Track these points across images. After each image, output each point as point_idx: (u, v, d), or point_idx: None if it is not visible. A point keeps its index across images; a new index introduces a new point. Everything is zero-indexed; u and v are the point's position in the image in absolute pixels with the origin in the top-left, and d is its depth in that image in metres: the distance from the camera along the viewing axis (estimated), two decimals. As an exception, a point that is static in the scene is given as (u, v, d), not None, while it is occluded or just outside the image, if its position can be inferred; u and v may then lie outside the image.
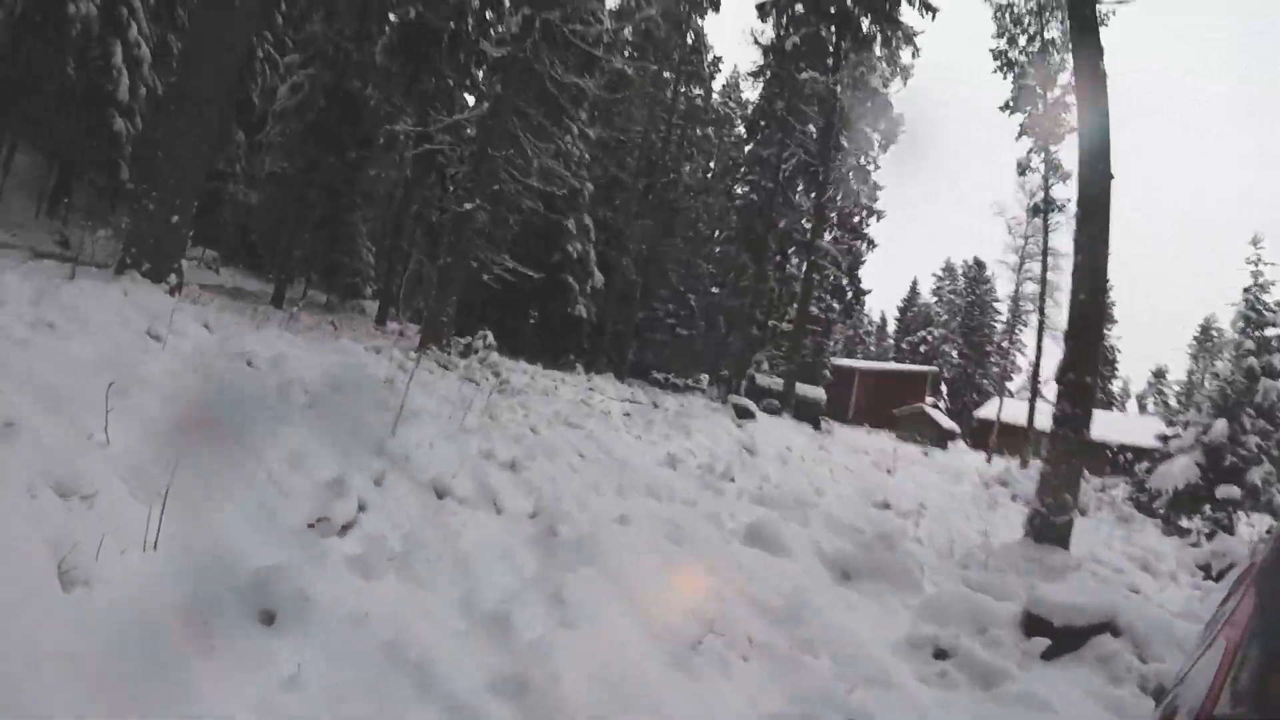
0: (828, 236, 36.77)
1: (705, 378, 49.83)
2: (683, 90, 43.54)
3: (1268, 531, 10.34)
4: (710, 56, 47.56)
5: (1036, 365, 35.72)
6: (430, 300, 15.59)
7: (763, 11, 35.44)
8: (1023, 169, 36.48)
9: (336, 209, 27.34)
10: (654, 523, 6.02)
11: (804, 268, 35.14)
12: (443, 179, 28.67)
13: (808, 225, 34.72)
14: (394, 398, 6.93)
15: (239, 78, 34.59)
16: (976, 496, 17.72)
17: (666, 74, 41.53)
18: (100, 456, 4.06)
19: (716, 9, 40.94)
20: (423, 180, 28.55)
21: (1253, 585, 1.22)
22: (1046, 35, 34.06)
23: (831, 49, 33.98)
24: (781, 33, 34.99)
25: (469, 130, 20.84)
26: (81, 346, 6.33)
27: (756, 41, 36.47)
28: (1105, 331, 49.43)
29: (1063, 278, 34.57)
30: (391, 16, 26.71)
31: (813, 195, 35.49)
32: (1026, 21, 34.82)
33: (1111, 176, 10.24)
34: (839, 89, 31.73)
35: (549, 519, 5.42)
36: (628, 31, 37.24)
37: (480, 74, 28.38)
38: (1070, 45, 10.91)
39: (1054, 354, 26.79)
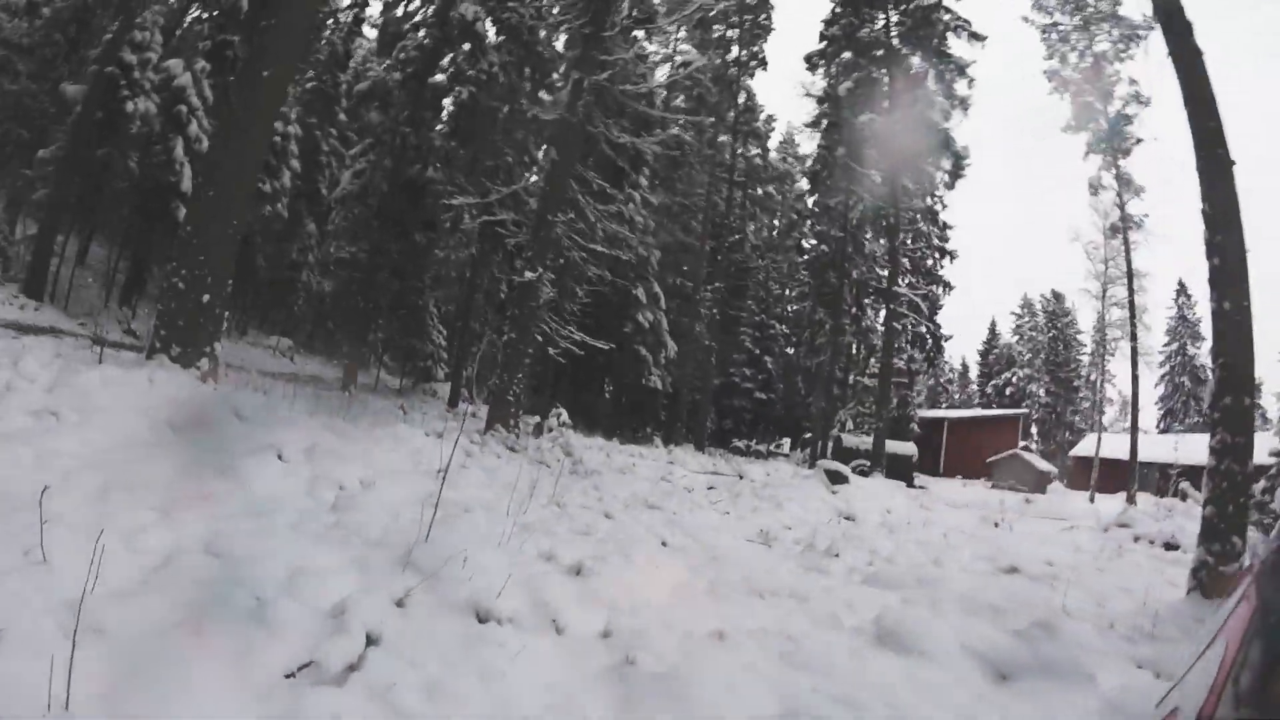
0: (903, 283, 35.05)
1: (786, 442, 48.05)
2: (740, 150, 42.89)
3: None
4: (764, 115, 46.99)
5: (1134, 394, 33.03)
6: (496, 379, 14.58)
7: (811, 63, 34.77)
8: (1094, 189, 34.22)
9: (406, 292, 26.98)
10: (759, 637, 4.68)
11: (882, 317, 33.52)
12: (508, 254, 28.21)
13: (883, 272, 33.12)
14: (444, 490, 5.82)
15: (308, 171, 35.34)
16: (1100, 544, 15.74)
17: (723, 137, 40.90)
18: (30, 582, 3.09)
19: (765, 67, 40.37)
20: (489, 258, 28.06)
21: (1253, 586, 1.14)
22: (1096, 49, 32.24)
23: (886, 89, 32.87)
24: (833, 80, 34.18)
25: (530, 201, 20.18)
26: (73, 441, 5.42)
27: (809, 93, 35.73)
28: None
29: (1149, 299, 33.44)
30: (447, 101, 26.57)
31: (883, 241, 33.96)
32: (1074, 39, 33.12)
33: (1233, 162, 8.76)
34: (898, 129, 30.48)
35: (624, 643, 4.13)
36: (680, 100, 36.94)
37: (541, 153, 28.06)
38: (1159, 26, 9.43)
39: (1148, 379, 24.41)
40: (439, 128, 25.80)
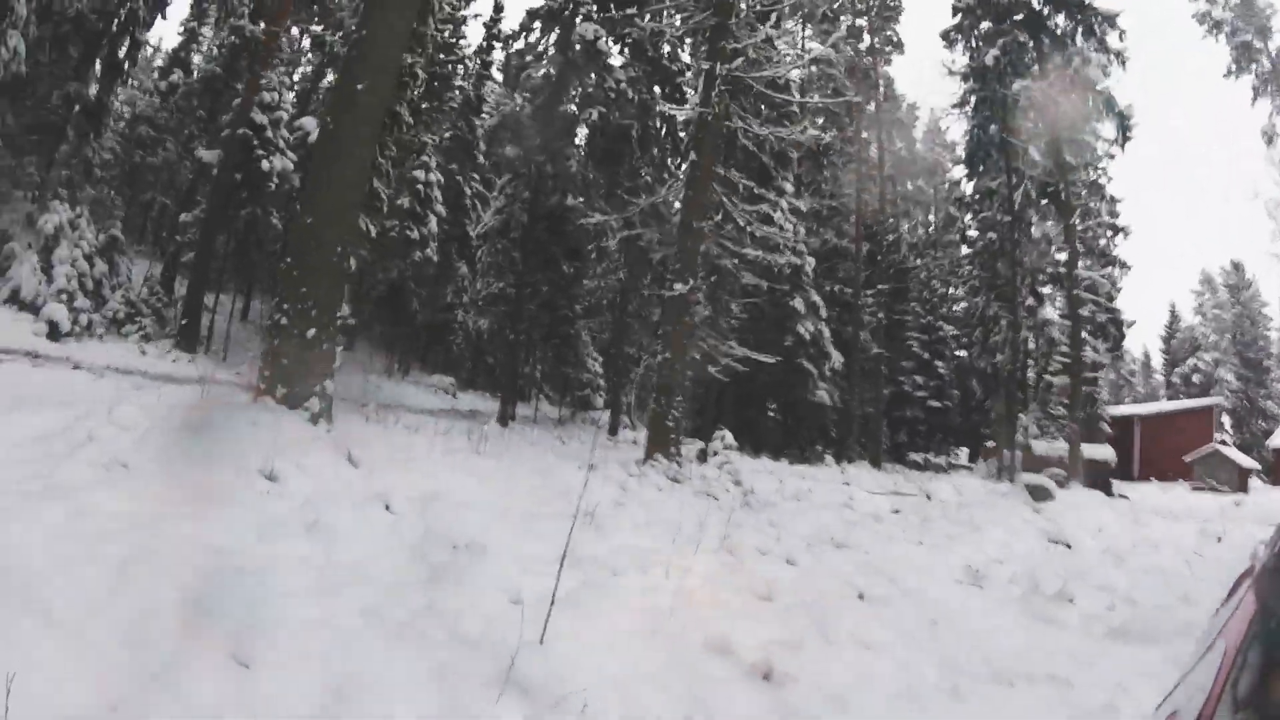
0: (1081, 265, 31.28)
1: (964, 452, 44.27)
2: (885, 144, 40.24)
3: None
4: (905, 104, 44.08)
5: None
6: (653, 404, 13.19)
7: (948, 39, 31.94)
8: (1269, 137, 29.60)
9: (557, 323, 26.37)
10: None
11: (1060, 307, 30.09)
12: (657, 274, 27.14)
13: (1061, 256, 29.75)
14: (589, 536, 4.45)
15: (455, 215, 35.60)
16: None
17: (865, 133, 38.46)
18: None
19: (901, 50, 37.76)
20: (637, 280, 26.98)
21: (1253, 588, 1.09)
22: (1245, -18, 27.90)
23: (1032, 54, 29.59)
24: (975, 53, 31.16)
25: (673, 217, 18.88)
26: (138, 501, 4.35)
27: (951, 71, 32.73)
28: None
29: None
30: (579, 126, 25.78)
31: (1051, 222, 30.48)
32: (1220, -26, 28.85)
33: None
34: (1054, 93, 27.27)
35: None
36: (815, 97, 34.85)
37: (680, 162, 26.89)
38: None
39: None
40: (573, 154, 25.00)
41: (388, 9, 7.61)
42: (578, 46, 23.43)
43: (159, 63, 38.12)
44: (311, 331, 7.44)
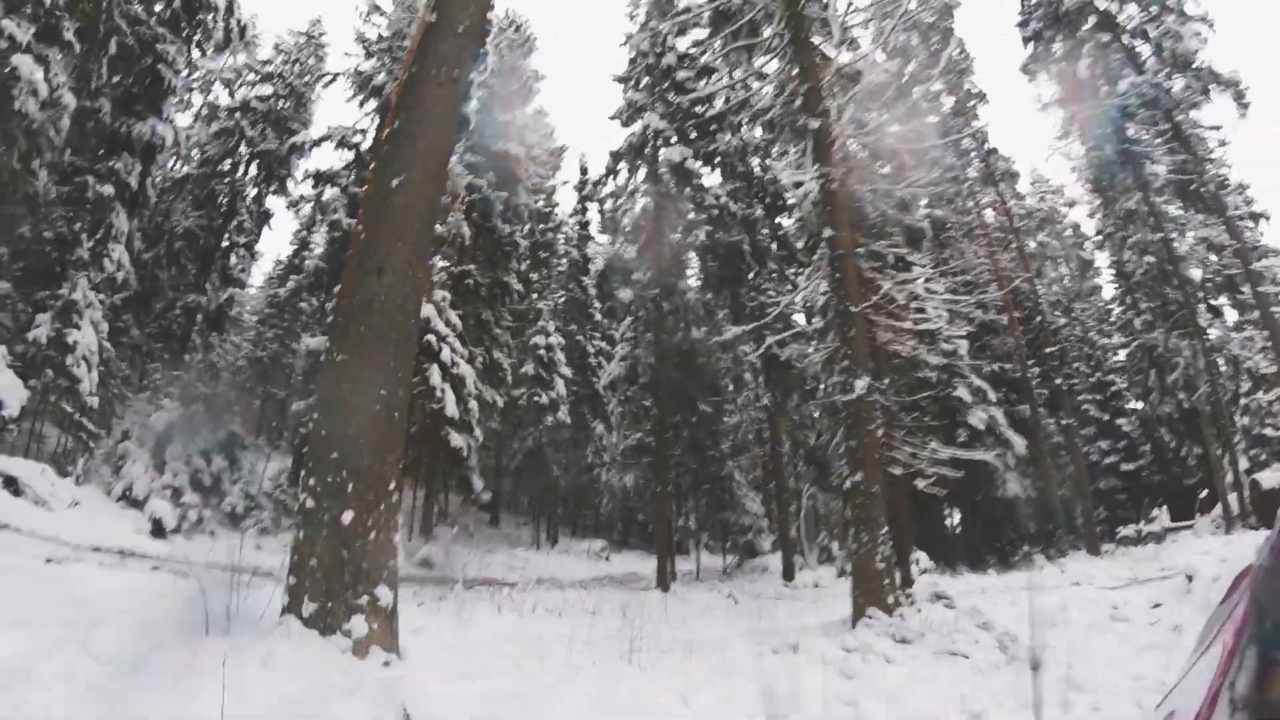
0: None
1: (1163, 512, 37.79)
2: (1005, 200, 36.63)
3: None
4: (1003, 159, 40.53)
5: None
6: (853, 543, 10.13)
7: (1028, 70, 29.37)
8: None
9: (705, 465, 23.82)
10: None
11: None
12: (804, 393, 24.37)
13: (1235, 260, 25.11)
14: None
15: (582, 375, 34.14)
16: None
17: (979, 196, 35.09)
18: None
19: (984, 100, 35.35)
20: (783, 404, 24.21)
21: (1249, 589, 1.11)
22: None
23: (1119, 51, 26.10)
24: (1062, 74, 27.98)
25: (816, 311, 16.36)
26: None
27: (1044, 105, 29.63)
28: None
29: None
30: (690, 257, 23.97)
31: (1201, 217, 25.94)
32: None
33: None
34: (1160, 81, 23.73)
35: None
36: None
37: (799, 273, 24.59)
38: None
39: None
40: (687, 285, 23.10)
41: (420, 105, 5.63)
42: (666, 173, 21.90)
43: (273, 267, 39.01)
44: (348, 517, 5.09)
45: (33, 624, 5.11)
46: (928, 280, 14.45)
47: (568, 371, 31.91)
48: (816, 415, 29.32)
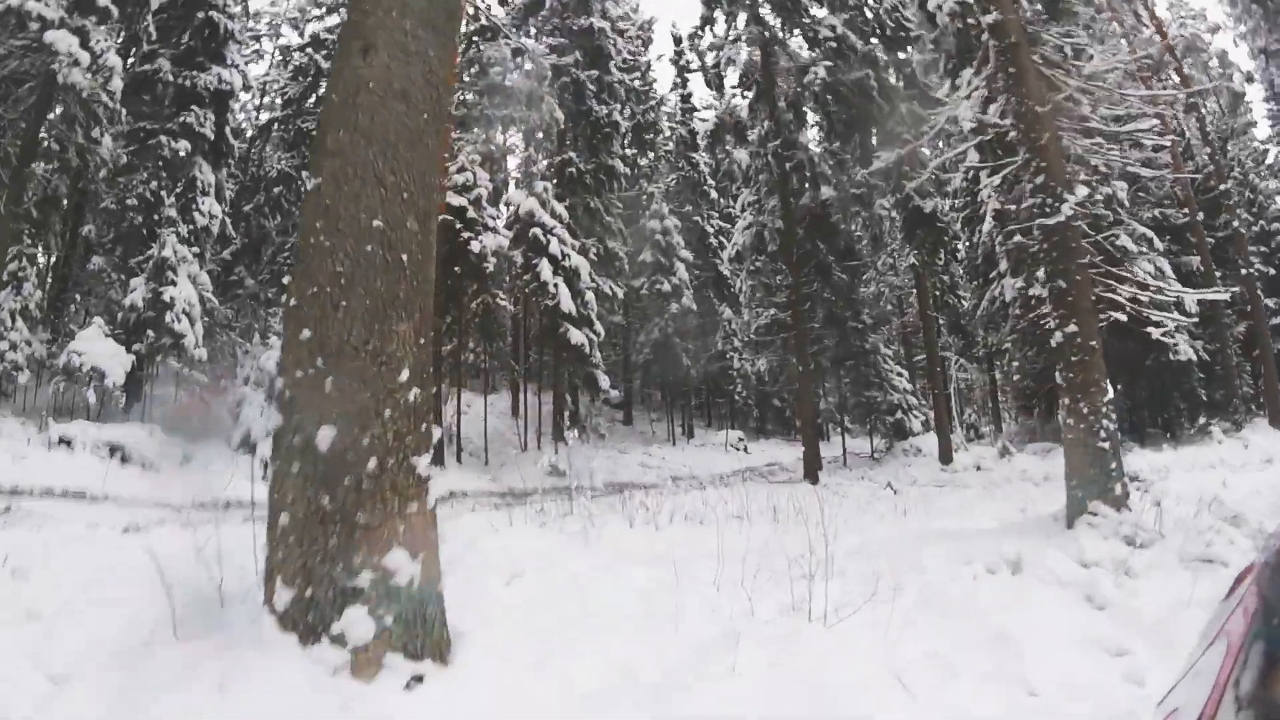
0: None
1: None
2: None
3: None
4: None
5: None
6: (1067, 416, 7.58)
7: None
8: None
9: (847, 339, 21.22)
10: None
11: None
12: (949, 253, 21.33)
13: None
14: None
15: (704, 258, 31.75)
16: None
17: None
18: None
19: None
20: (930, 266, 21.27)
21: (1255, 584, 1.08)
22: None
23: None
24: None
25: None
26: None
27: None
28: None
29: None
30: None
31: None
32: None
33: None
34: None
35: None
36: None
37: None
38: None
39: None
40: (811, 131, 20.14)
41: None
42: (768, 12, 18.80)
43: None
44: (326, 434, 3.18)
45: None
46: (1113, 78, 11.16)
47: (688, 255, 29.59)
48: (962, 275, 26.05)
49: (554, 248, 19.27)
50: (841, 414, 25.10)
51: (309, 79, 27.27)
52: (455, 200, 18.59)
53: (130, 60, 20.28)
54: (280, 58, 31.02)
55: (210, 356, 18.65)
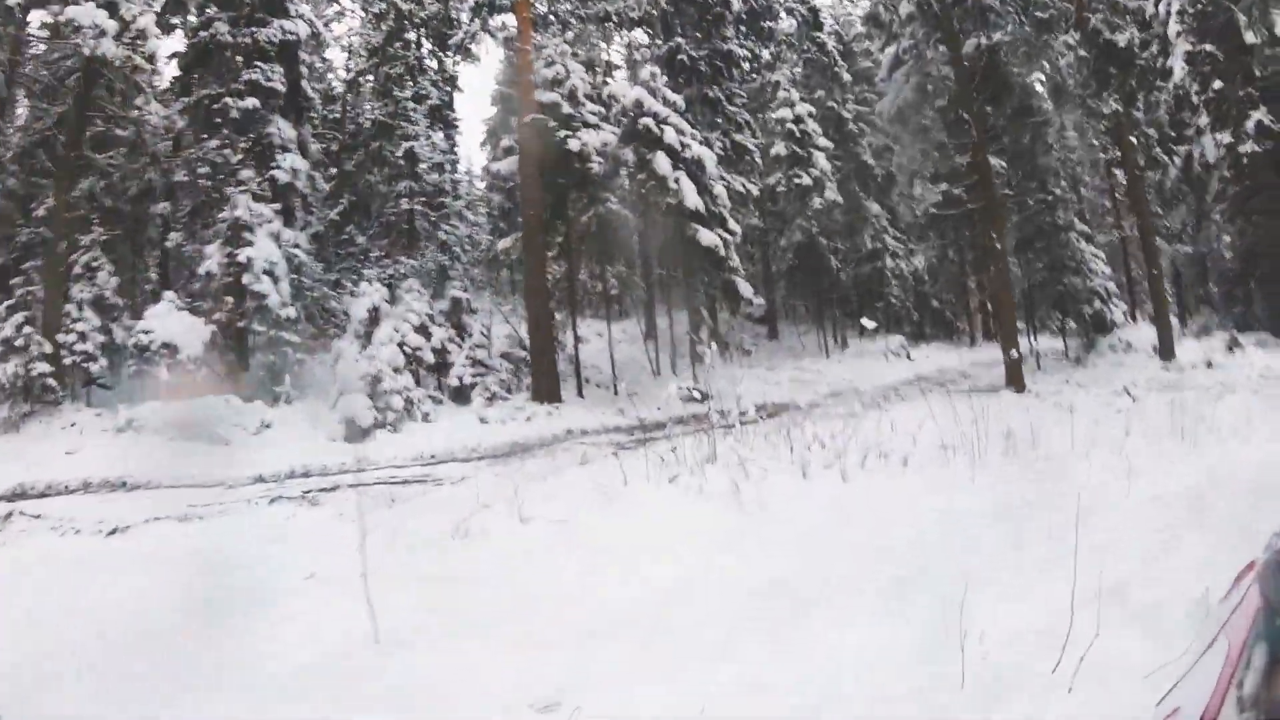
0: None
1: None
2: None
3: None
4: None
5: None
6: None
7: None
8: None
9: (1032, 217, 17.26)
10: None
11: None
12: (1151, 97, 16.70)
13: None
14: None
15: (844, 146, 27.69)
16: None
17: None
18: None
19: None
20: (1128, 113, 16.80)
21: (1257, 584, 1.06)
22: None
23: None
24: None
25: None
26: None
27: None
28: None
29: None
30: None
31: None
32: None
33: None
34: None
35: None
36: None
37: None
38: None
39: None
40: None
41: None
42: None
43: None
44: None
45: None
46: None
47: (827, 143, 25.63)
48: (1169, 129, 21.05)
49: (670, 137, 16.13)
50: (1030, 306, 20.86)
51: (390, 22, 24.87)
52: (546, 96, 15.72)
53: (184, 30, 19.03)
54: (362, 8, 29.39)
55: (307, 316, 16.89)
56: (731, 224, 17.02)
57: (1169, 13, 19.40)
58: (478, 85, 74.33)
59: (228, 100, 17.65)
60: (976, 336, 31.00)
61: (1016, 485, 6.12)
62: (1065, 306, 19.54)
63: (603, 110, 17.55)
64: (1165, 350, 16.57)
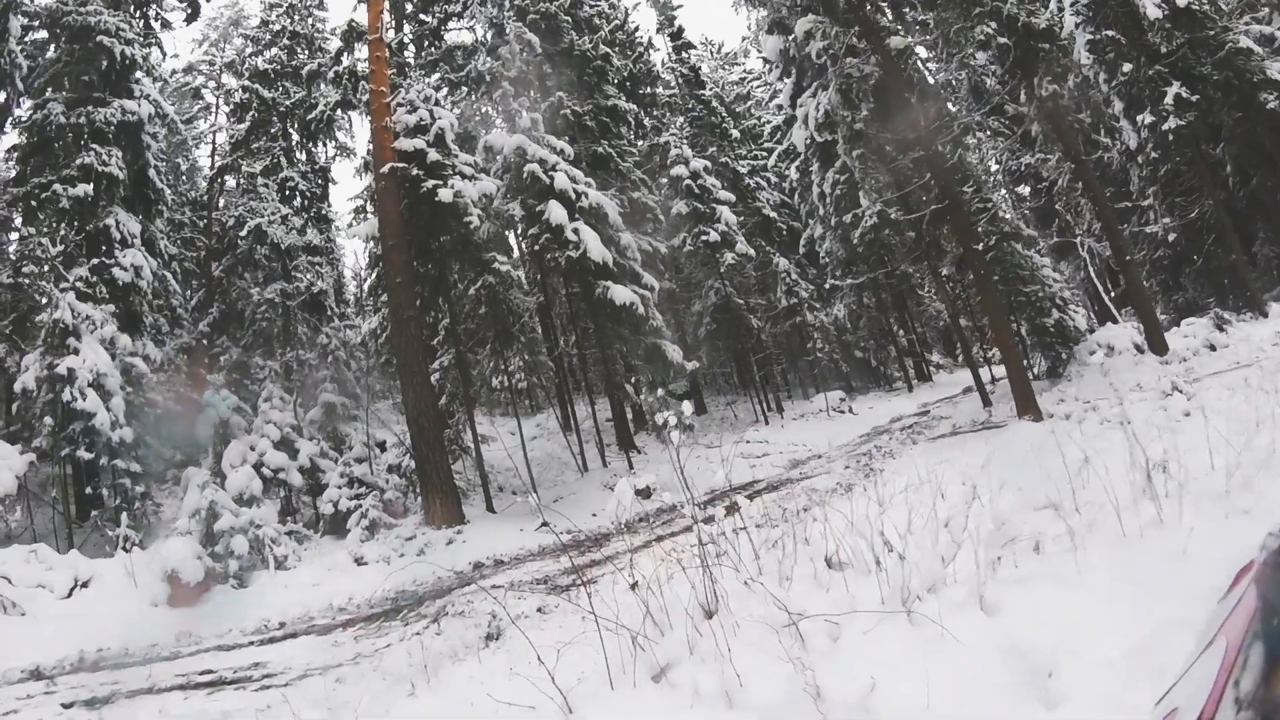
0: None
1: None
2: None
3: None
4: None
5: None
6: None
7: None
8: None
9: (977, 222, 15.03)
10: None
11: None
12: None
13: None
14: None
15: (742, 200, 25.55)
16: None
17: None
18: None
19: None
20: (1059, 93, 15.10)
21: (1254, 584, 1.04)
22: None
23: None
24: None
25: None
26: None
27: None
28: None
29: None
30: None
31: None
32: None
33: None
34: None
35: None
36: None
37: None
38: None
39: None
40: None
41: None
42: None
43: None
44: None
45: None
46: None
47: (729, 195, 23.41)
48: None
49: (562, 183, 13.37)
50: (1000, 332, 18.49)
51: (253, 113, 21.99)
52: (406, 144, 12.68)
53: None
54: (223, 102, 26.80)
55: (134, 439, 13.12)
56: (647, 278, 14.17)
57: (1062, 6, 18.41)
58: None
59: (57, 188, 15.32)
60: (912, 381, 28.83)
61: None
62: (1029, 319, 17.28)
63: (478, 162, 14.57)
64: (1156, 345, 14.42)
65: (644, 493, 11.40)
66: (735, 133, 29.26)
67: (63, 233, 15.61)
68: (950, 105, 15.98)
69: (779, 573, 4.71)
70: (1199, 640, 1.20)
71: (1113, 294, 21.88)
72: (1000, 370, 19.39)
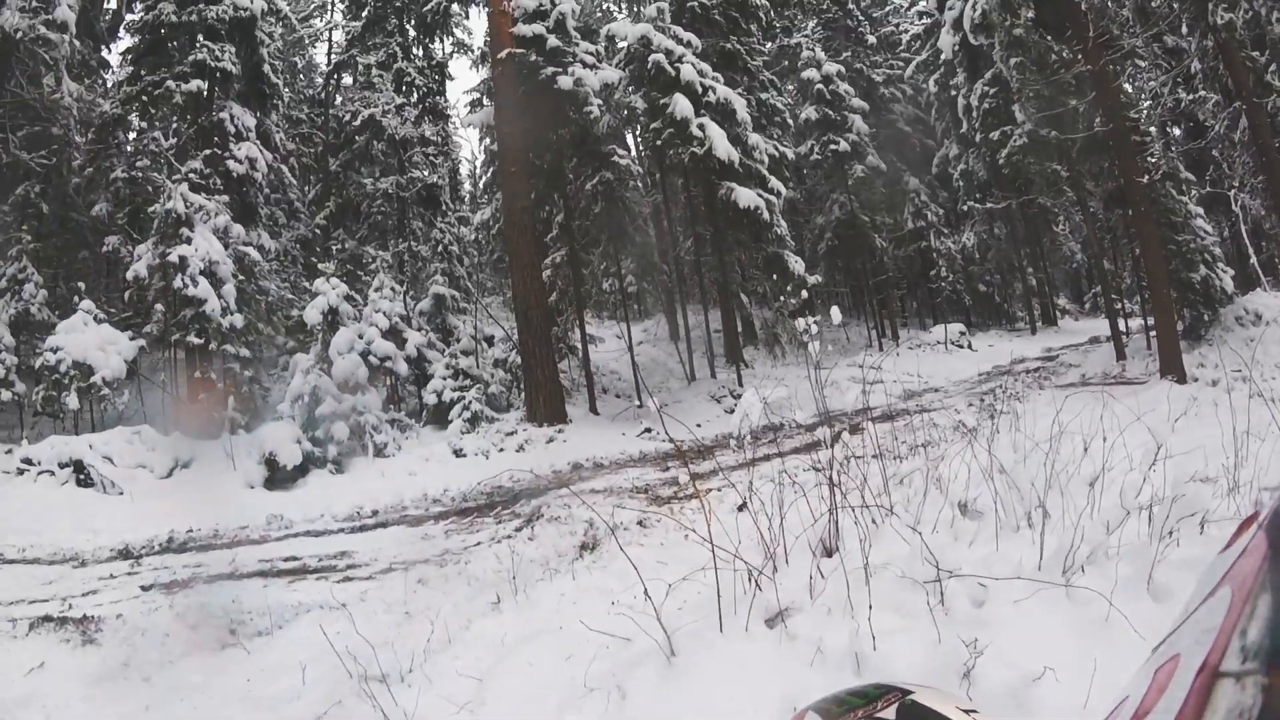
0: None
1: None
2: None
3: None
4: None
5: None
6: None
7: None
8: None
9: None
10: None
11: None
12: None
13: None
14: None
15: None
16: None
17: None
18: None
19: None
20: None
21: (1263, 532, 0.78)
22: None
23: None
24: None
25: None
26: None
27: None
28: None
29: None
30: None
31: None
32: None
33: None
34: None
35: None
36: None
37: None
38: None
39: None
40: None
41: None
42: None
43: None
44: None
45: None
46: None
47: (862, 104, 21.89)
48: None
49: (688, 75, 12.62)
50: (1137, 279, 16.87)
51: (366, 10, 21.78)
52: (525, 29, 12.09)
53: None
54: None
55: (244, 325, 13.52)
56: (773, 182, 13.37)
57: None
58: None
59: (170, 84, 15.18)
60: (1036, 323, 27.09)
61: None
62: (1174, 271, 15.64)
63: (600, 52, 13.95)
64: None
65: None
66: (871, 39, 27.36)
67: (175, 126, 16.12)
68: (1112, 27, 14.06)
69: (910, 514, 4.25)
70: (1198, 590, 0.91)
71: (1257, 258, 19.59)
72: (1134, 324, 17.83)
